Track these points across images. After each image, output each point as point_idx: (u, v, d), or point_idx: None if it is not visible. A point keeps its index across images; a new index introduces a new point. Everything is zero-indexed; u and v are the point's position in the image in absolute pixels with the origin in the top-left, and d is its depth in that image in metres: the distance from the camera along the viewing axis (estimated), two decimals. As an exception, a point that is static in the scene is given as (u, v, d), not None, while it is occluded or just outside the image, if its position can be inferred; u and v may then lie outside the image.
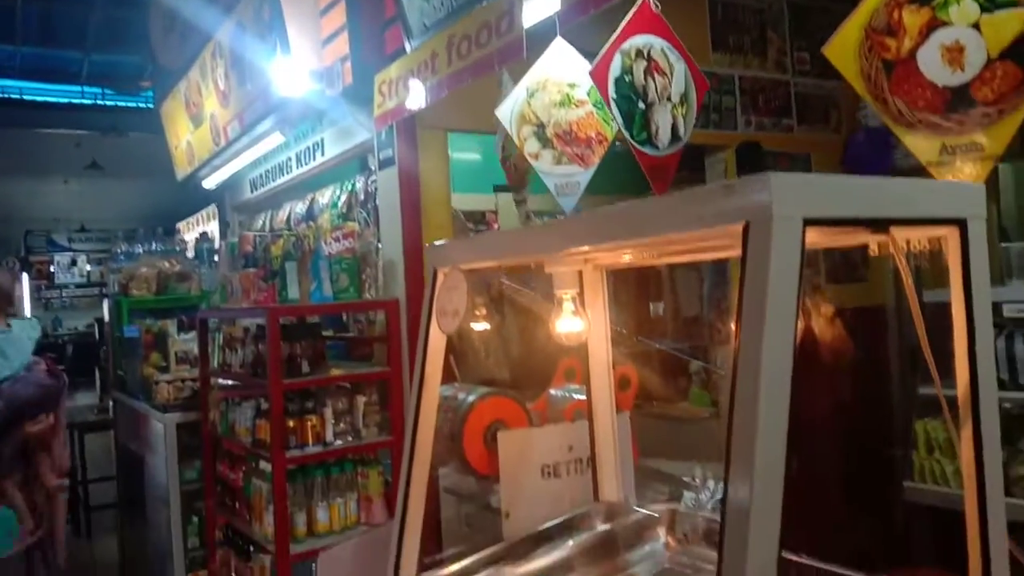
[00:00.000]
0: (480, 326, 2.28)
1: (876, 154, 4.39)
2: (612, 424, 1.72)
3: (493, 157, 2.64)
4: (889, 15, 1.59)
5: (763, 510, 0.83)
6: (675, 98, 2.31)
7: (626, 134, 2.26)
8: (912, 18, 1.57)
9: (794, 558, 1.27)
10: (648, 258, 1.54)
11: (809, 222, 0.86)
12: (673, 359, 4.62)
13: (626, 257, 1.43)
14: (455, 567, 1.49)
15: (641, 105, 2.27)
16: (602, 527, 1.51)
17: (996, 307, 2.92)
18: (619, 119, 2.25)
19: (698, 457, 2.08)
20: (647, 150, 2.27)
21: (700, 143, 4.04)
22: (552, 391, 2.05)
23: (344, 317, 3.81)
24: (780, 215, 0.84)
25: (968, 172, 1.38)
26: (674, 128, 2.28)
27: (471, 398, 1.80)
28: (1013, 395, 2.91)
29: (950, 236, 1.04)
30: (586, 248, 1.22)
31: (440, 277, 1.49)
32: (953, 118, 1.55)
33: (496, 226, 4.18)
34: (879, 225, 0.95)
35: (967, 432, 1.05)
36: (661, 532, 1.50)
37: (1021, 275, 3.19)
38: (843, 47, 1.63)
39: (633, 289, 4.68)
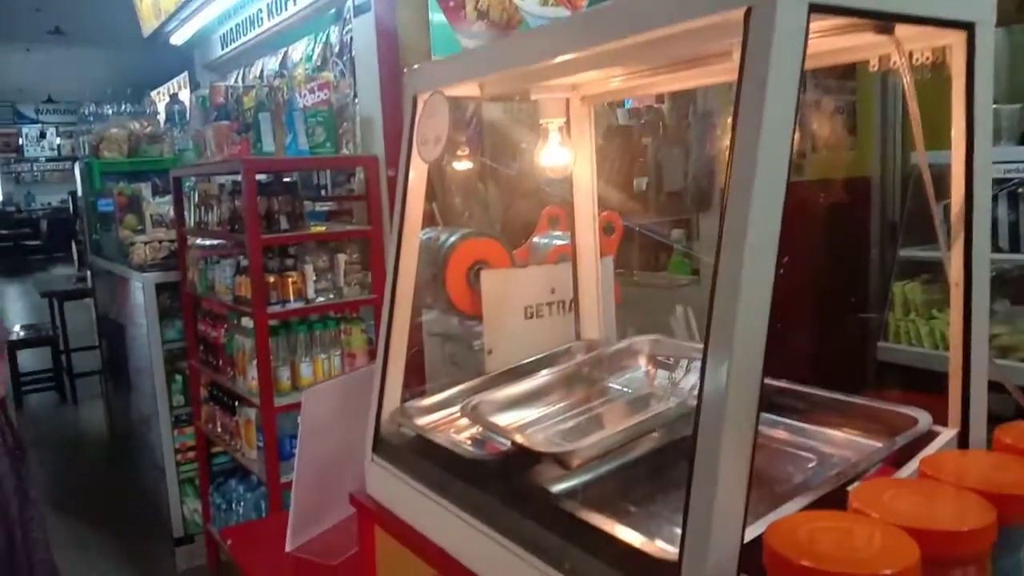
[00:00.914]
0: (463, 165, 2.22)
1: None
2: (596, 266, 1.71)
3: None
4: None
5: (749, 327, 0.81)
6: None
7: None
8: None
9: (775, 382, 1.28)
10: (638, 88, 1.48)
11: (814, 8, 0.81)
12: (655, 232, 4.62)
13: (614, 83, 1.37)
14: (437, 397, 1.50)
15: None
16: (582, 358, 1.52)
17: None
18: None
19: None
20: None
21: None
22: (535, 238, 2.02)
23: (318, 179, 3.72)
24: (785, -1, 0.78)
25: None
26: None
27: (453, 238, 1.78)
28: (993, 256, 2.93)
29: (956, 43, 0.99)
30: (574, 57, 1.15)
31: (420, 103, 1.42)
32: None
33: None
34: (885, 20, 0.89)
35: (958, 247, 1.03)
36: (643, 360, 1.51)
37: (1010, 137, 3.16)
38: None
39: (617, 164, 4.62)
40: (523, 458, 1.21)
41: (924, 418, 1.12)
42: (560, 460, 1.16)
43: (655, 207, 4.51)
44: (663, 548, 0.94)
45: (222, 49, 4.97)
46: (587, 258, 1.70)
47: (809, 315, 3.65)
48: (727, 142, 0.83)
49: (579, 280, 1.70)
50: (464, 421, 1.45)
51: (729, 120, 0.84)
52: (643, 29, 0.95)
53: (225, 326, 3.30)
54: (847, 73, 4.17)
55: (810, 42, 0.82)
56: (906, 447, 1.06)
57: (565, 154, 1.47)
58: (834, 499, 0.95)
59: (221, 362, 3.34)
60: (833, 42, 1.00)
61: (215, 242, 3.50)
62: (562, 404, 1.42)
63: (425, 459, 1.34)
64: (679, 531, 0.87)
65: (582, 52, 1.12)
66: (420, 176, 1.46)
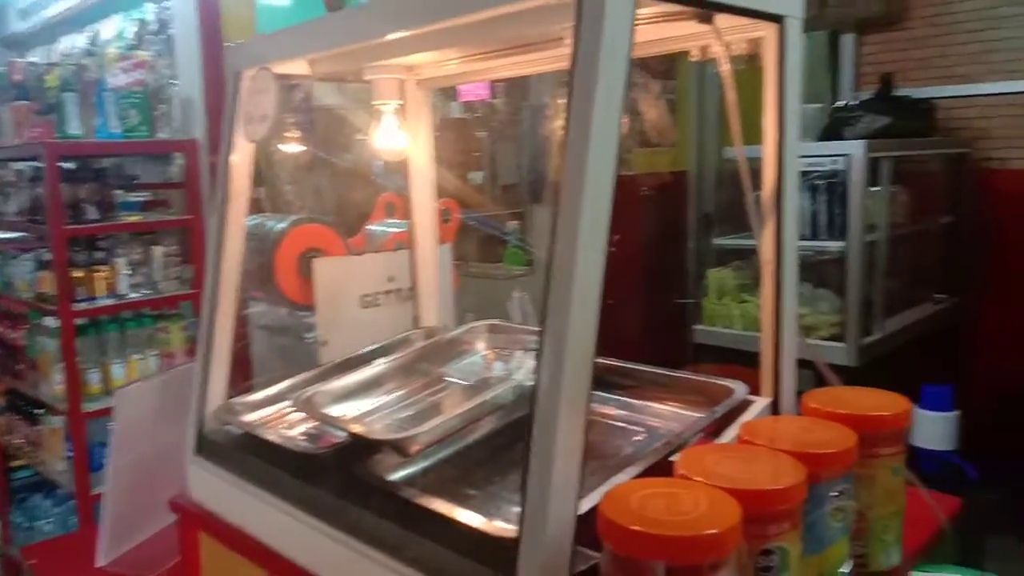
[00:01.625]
0: (293, 148, 2.12)
1: None
2: (434, 253, 1.69)
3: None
4: None
5: (582, 309, 0.83)
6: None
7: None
8: None
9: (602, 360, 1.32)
10: (475, 73, 1.47)
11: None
12: (491, 224, 4.69)
13: (451, 66, 1.35)
14: (266, 392, 1.43)
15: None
16: (420, 345, 1.49)
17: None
18: None
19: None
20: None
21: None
22: (371, 226, 1.97)
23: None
24: None
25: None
26: None
27: (283, 224, 1.69)
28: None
29: (768, 36, 1.06)
30: (405, 36, 1.13)
31: (245, 80, 1.34)
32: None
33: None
34: (706, 8, 0.94)
35: (770, 231, 1.11)
36: (481, 345, 1.51)
37: (812, 134, 3.47)
38: None
39: (453, 157, 4.64)
40: (360, 449, 1.17)
41: (740, 388, 1.19)
42: (398, 447, 1.13)
43: (491, 200, 4.56)
44: (502, 527, 0.94)
45: (21, 22, 4.50)
46: (426, 245, 1.68)
47: (632, 301, 3.85)
48: (559, 130, 0.84)
49: (417, 267, 1.68)
50: (296, 416, 1.39)
51: (561, 107, 0.85)
52: (476, 8, 0.94)
53: (26, 326, 2.99)
54: (667, 72, 4.41)
55: (637, 29, 0.85)
56: (726, 415, 1.13)
57: (400, 138, 1.44)
58: (662, 467, 0.98)
59: (22, 366, 3.03)
60: (658, 30, 1.04)
61: (14, 235, 3.16)
62: (400, 392, 1.39)
63: (254, 457, 1.27)
64: (518, 509, 0.87)
65: (414, 30, 1.09)
66: (245, 158, 1.38)
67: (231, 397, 1.40)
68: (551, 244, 0.84)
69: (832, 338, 3.15)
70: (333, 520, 1.08)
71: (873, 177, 3.19)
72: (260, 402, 1.41)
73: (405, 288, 1.75)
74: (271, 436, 1.27)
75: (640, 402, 1.30)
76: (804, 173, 3.19)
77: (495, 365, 1.45)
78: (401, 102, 1.41)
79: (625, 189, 0.93)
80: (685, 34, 1.07)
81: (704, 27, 1.00)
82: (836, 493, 0.94)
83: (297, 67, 1.33)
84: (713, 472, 0.87)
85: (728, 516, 0.77)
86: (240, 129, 1.34)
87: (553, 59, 1.26)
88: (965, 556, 1.26)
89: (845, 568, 0.98)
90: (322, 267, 1.62)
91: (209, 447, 1.35)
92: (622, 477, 0.97)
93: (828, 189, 3.24)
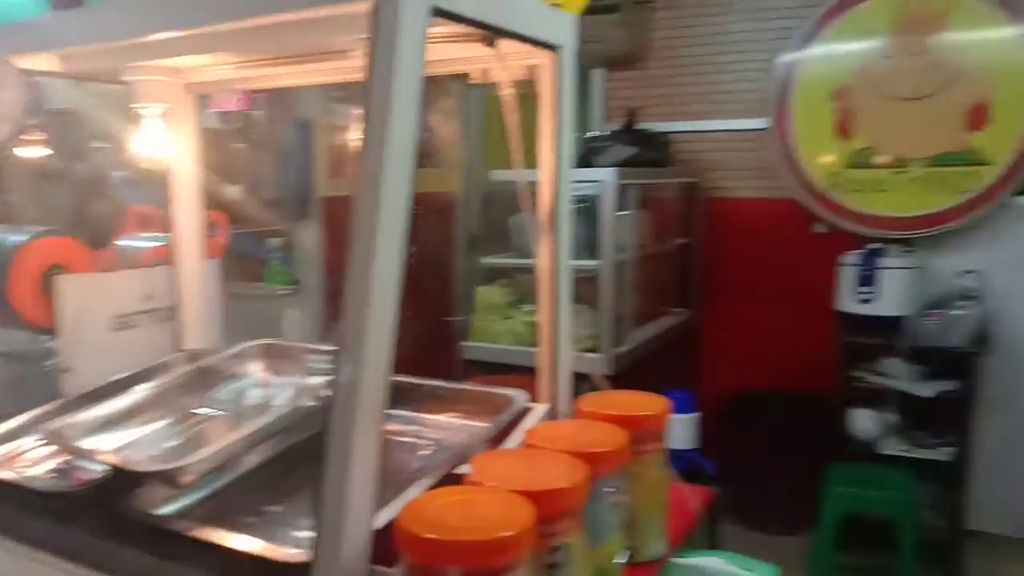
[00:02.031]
0: (29, 153, 1.88)
1: None
2: (200, 268, 1.58)
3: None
4: None
5: (378, 327, 0.82)
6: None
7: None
8: None
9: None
10: (248, 80, 1.41)
11: (437, 12, 0.85)
12: (251, 241, 4.49)
13: (225, 70, 1.28)
14: (2, 427, 1.25)
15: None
16: (188, 368, 1.39)
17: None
18: None
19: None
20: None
21: None
22: (121, 241, 1.80)
23: None
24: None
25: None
26: None
27: (20, 237, 1.49)
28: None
29: (545, 62, 1.13)
30: (174, 37, 1.06)
31: (-25, 72, 1.18)
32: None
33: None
34: (492, 32, 0.98)
35: (547, 245, 1.18)
36: (255, 366, 1.44)
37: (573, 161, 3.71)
38: None
39: (208, 169, 4.39)
40: (121, 483, 1.07)
41: (521, 396, 1.25)
42: (166, 479, 1.05)
43: (250, 215, 4.36)
44: (291, 552, 0.90)
45: None
46: (190, 260, 1.57)
47: (404, 318, 3.86)
48: (332, 146, 0.83)
49: (180, 284, 1.56)
50: (39, 452, 1.23)
51: (331, 124, 0.84)
52: (263, 12, 0.91)
53: None
54: (438, 96, 4.50)
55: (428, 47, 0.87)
56: (509, 423, 1.17)
57: (163, 145, 1.34)
58: (454, 479, 1.00)
59: None
60: (443, 51, 1.06)
61: None
62: (168, 420, 1.28)
63: (-12, 501, 1.10)
64: (306, 533, 0.85)
65: (185, 31, 1.03)
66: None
67: (-46, 435, 1.21)
68: (349, 260, 0.82)
69: (589, 350, 3.38)
70: (93, 561, 0.97)
71: (621, 202, 3.49)
72: (-8, 439, 1.23)
73: (164, 307, 1.62)
74: (9, 476, 1.11)
75: (425, 415, 1.31)
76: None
77: (272, 386, 1.38)
78: (167, 105, 1.31)
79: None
80: (467, 56, 1.11)
81: (488, 51, 1.04)
82: (612, 489, 1.02)
83: (47, 63, 1.19)
84: (504, 476, 0.90)
85: (521, 518, 0.81)
86: (-32, 126, 1.17)
87: (335, 71, 1.24)
88: (712, 543, 1.42)
89: (620, 559, 1.06)
90: (66, 285, 1.45)
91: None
92: (415, 491, 0.97)
93: (584, 212, 3.48)
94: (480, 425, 1.22)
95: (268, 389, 1.38)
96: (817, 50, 4.23)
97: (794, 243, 4.29)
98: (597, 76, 4.65)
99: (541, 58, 1.11)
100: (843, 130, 4.20)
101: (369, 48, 0.81)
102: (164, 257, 1.62)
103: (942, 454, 3.63)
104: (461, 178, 4.77)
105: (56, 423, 1.17)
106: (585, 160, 3.77)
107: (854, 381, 3.82)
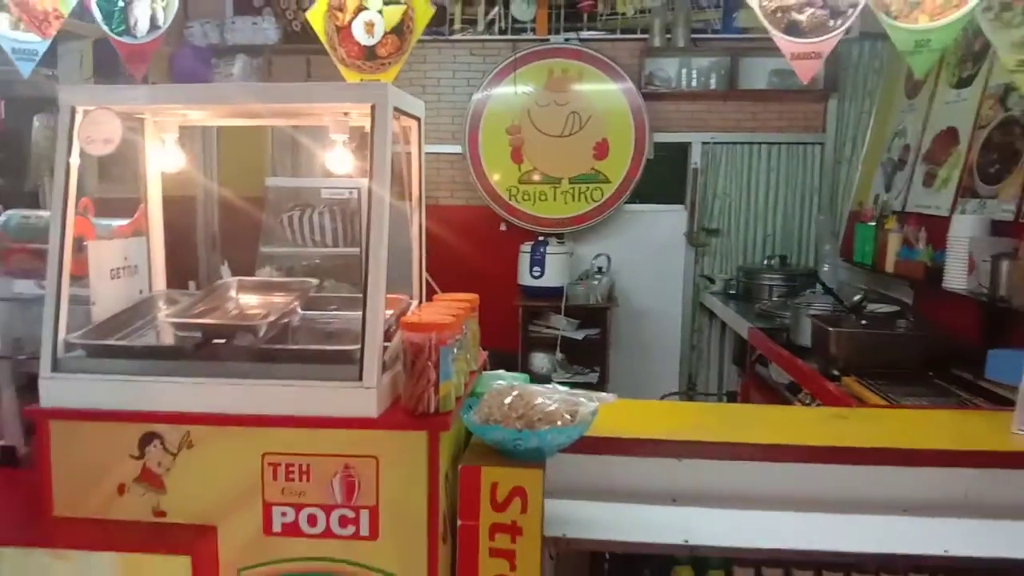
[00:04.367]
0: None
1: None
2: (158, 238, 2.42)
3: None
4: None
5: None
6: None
7: (105, 29, 2.80)
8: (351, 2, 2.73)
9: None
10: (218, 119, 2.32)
11: (396, 110, 1.97)
12: None
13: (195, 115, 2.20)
14: (95, 326, 2.04)
15: (120, 3, 2.82)
16: (197, 292, 2.26)
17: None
18: (99, 18, 2.78)
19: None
20: (126, 39, 2.85)
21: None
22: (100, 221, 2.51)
23: None
24: (388, 103, 1.92)
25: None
26: (153, 18, 2.85)
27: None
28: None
29: (411, 126, 2.26)
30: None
31: (81, 114, 1.98)
32: (367, 65, 2.78)
33: None
34: (398, 111, 2.10)
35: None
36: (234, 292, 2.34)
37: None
38: (315, 15, 2.69)
39: None
40: (225, 334, 1.98)
41: (406, 298, 2.36)
42: (251, 330, 2.00)
43: None
44: (349, 347, 1.94)
45: None
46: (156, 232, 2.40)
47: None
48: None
49: (150, 248, 2.39)
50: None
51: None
52: (298, 102, 1.94)
53: None
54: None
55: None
56: (407, 306, 2.28)
57: (178, 159, 2.21)
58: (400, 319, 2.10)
59: None
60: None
61: None
62: (216, 308, 2.17)
63: (110, 359, 1.93)
64: (338, 347, 1.90)
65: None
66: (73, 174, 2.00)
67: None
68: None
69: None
70: (222, 373, 1.90)
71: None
72: (96, 330, 2.02)
73: (133, 264, 2.42)
74: (136, 342, 1.96)
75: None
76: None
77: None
78: (175, 135, 2.20)
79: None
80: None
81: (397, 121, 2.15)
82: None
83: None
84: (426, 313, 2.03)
85: (452, 319, 1.95)
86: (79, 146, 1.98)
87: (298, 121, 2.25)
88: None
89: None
90: (92, 249, 2.22)
91: (65, 364, 1.92)
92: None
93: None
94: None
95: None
96: (495, 97, 5.76)
97: (486, 237, 5.78)
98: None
99: (410, 123, 2.24)
100: (516, 156, 5.80)
101: (371, 126, 1.90)
102: (136, 230, 2.41)
103: (591, 378, 5.33)
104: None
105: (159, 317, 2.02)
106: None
107: (531, 333, 5.39)
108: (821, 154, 5.72)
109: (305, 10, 3.23)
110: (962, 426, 2.35)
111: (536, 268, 5.43)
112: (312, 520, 1.86)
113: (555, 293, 5.38)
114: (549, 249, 5.49)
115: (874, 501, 2.00)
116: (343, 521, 1.85)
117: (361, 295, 1.86)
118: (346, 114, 2.05)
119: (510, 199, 5.79)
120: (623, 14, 5.65)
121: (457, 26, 5.70)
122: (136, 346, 1.97)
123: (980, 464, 2.04)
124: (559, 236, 5.73)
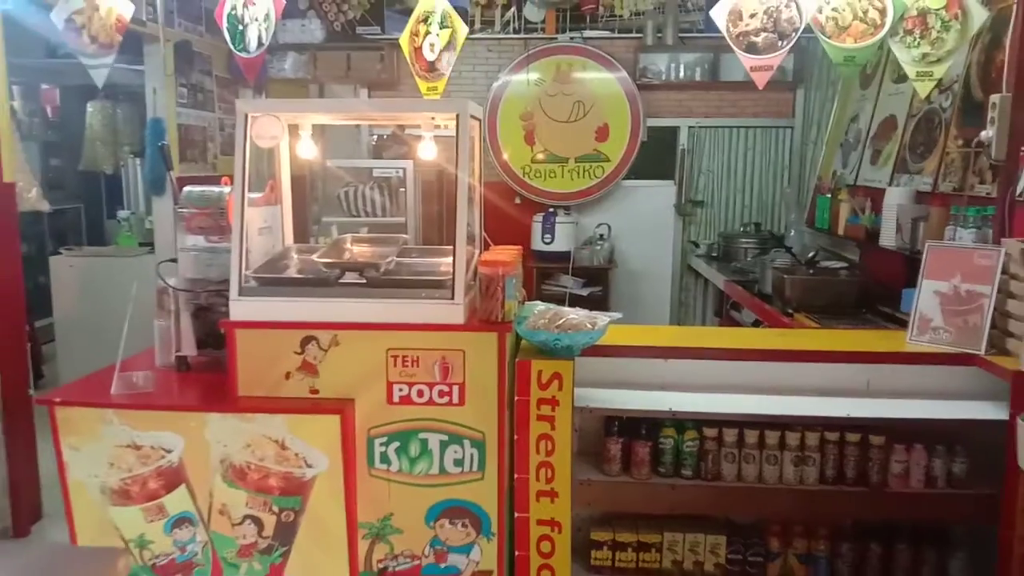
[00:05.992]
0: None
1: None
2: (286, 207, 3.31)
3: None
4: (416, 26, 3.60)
5: None
6: (260, 17, 3.72)
7: (232, 48, 3.68)
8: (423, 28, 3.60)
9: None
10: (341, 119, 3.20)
11: (472, 116, 2.85)
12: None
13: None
14: (262, 266, 2.94)
15: (240, 27, 3.70)
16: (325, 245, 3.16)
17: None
18: (228, 39, 3.66)
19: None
20: (243, 54, 3.72)
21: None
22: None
23: None
24: (466, 113, 2.80)
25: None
26: (260, 37, 3.72)
27: (224, 189, 3.07)
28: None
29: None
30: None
31: (250, 118, 2.85)
32: (430, 75, 3.66)
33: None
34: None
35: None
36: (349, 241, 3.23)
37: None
38: (404, 40, 3.57)
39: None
40: (361, 268, 2.88)
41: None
42: (373, 267, 2.90)
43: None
44: (444, 275, 2.84)
45: None
46: (286, 202, 3.29)
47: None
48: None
49: (282, 214, 3.28)
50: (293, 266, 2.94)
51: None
52: (397, 112, 2.82)
53: None
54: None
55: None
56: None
57: (310, 151, 3.10)
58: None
59: None
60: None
61: None
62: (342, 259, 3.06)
63: (277, 286, 2.82)
64: (433, 277, 2.81)
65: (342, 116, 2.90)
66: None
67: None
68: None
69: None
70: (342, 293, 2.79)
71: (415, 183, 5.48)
72: (263, 268, 2.91)
73: (267, 226, 3.31)
74: (299, 274, 2.86)
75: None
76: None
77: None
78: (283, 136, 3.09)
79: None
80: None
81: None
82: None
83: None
84: (494, 255, 2.92)
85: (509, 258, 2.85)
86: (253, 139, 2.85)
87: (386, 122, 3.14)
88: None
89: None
90: (247, 210, 3.10)
91: (246, 291, 2.81)
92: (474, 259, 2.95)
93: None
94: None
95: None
96: (511, 88, 6.62)
97: (504, 209, 6.67)
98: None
99: (473, 122, 3.11)
100: (529, 139, 6.67)
101: (456, 129, 2.77)
102: (267, 201, 3.29)
103: (593, 328, 6.23)
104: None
105: (313, 258, 2.91)
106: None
107: (544, 291, 6.30)
108: (791, 136, 6.63)
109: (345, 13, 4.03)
110: (869, 339, 3.27)
111: (547, 235, 6.35)
112: (420, 393, 2.75)
113: (563, 257, 6.31)
114: (558, 219, 6.40)
115: (802, 388, 2.92)
116: (441, 393, 2.75)
117: (434, 247, 2.77)
118: (433, 118, 2.93)
119: (524, 176, 6.69)
120: (621, 16, 6.53)
121: (477, 26, 6.55)
122: (298, 277, 2.87)
123: (879, 362, 2.96)
124: (566, 208, 6.65)
